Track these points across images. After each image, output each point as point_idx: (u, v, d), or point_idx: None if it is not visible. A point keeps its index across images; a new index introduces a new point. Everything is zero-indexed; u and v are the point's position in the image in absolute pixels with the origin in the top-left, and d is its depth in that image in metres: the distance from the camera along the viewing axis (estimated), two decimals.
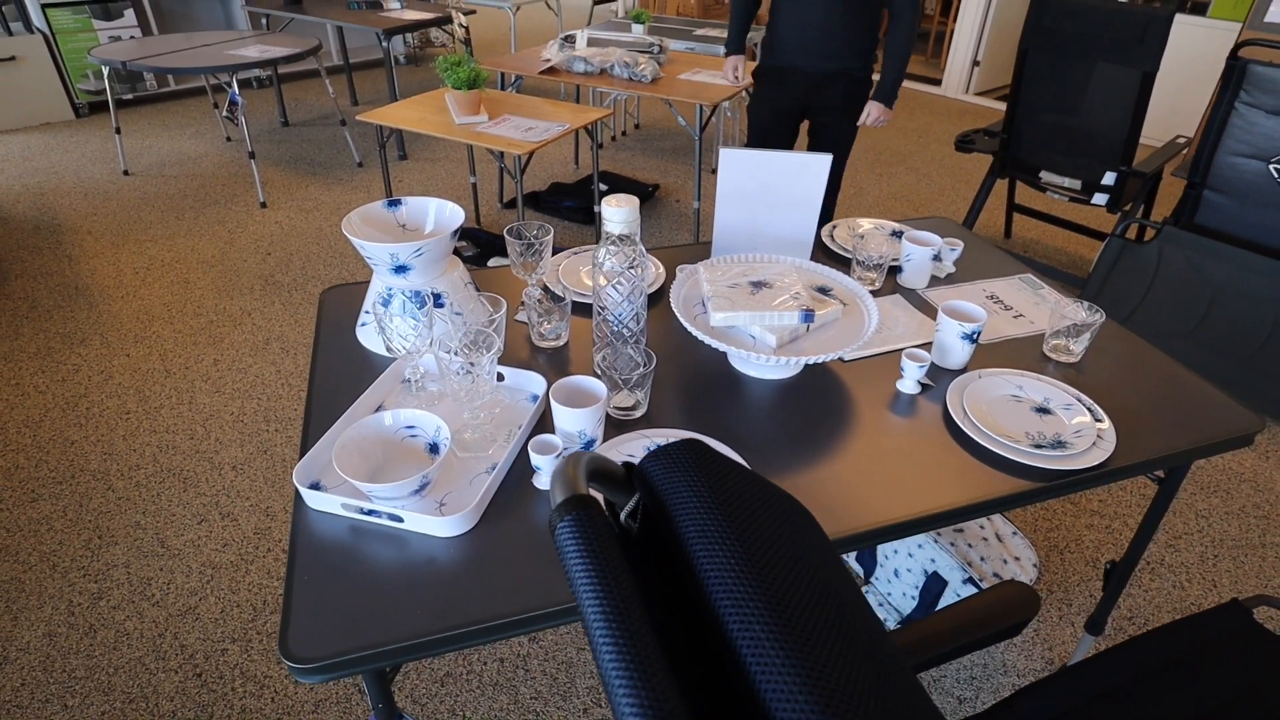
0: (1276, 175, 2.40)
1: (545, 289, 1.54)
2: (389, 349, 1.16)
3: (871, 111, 2.63)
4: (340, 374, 1.30)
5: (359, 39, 6.21)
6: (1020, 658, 1.77)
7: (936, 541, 1.72)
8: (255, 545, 2.01)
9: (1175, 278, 2.67)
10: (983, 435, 1.18)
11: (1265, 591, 1.94)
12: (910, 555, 1.77)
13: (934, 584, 1.71)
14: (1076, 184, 2.94)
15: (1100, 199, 2.90)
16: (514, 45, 5.63)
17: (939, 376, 1.34)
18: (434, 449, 1.07)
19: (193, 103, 5.51)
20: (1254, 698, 1.20)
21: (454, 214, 1.35)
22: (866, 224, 1.80)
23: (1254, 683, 1.22)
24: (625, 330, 1.24)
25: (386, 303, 1.28)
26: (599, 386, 1.10)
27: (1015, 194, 3.73)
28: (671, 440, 1.13)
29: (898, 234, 1.78)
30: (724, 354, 1.37)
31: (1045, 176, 3.03)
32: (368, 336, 1.38)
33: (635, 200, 1.14)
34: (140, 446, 2.34)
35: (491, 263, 3.37)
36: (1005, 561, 1.70)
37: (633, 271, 1.18)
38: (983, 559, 1.69)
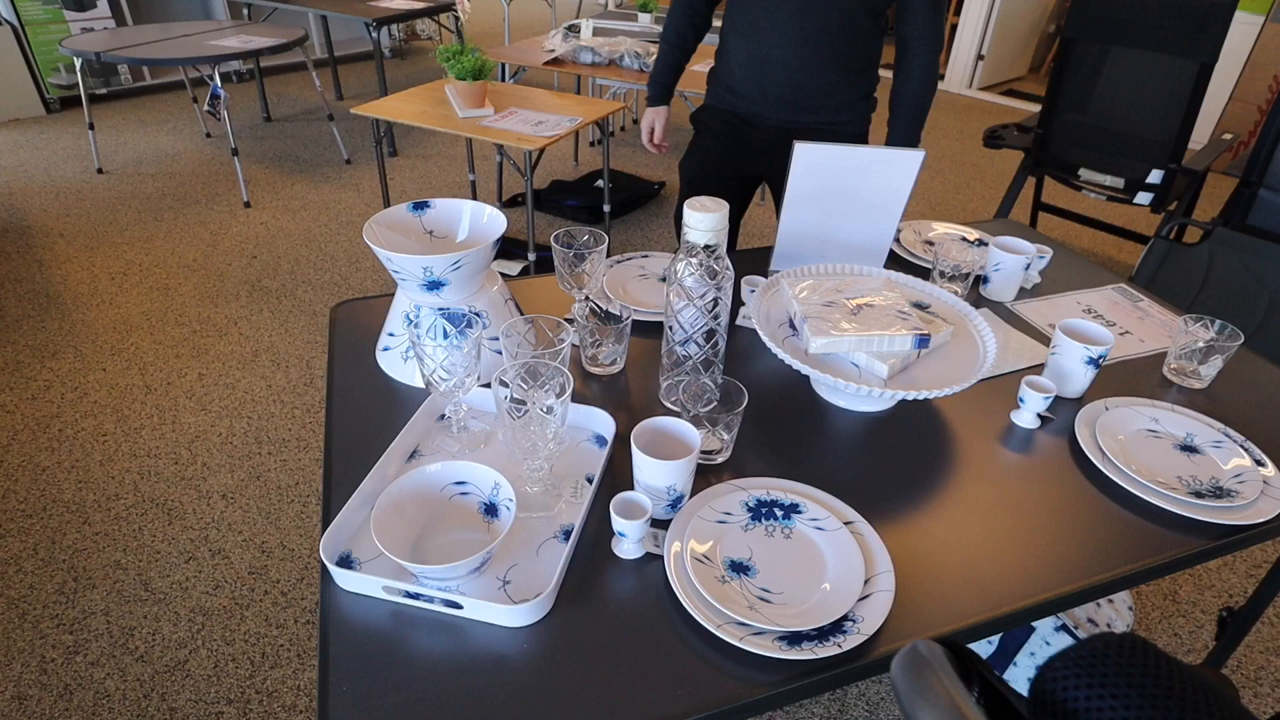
0: None
1: (593, 305, 1.35)
2: (428, 384, 0.96)
3: None
4: (362, 408, 1.10)
5: (343, 31, 5.97)
6: None
7: None
8: (250, 587, 1.80)
9: (1228, 281, 2.52)
10: (1131, 481, 1.00)
11: None
12: None
13: (1019, 630, 1.54)
14: (1119, 182, 2.78)
15: (1144, 198, 2.74)
16: (507, 37, 5.42)
17: (1056, 408, 1.16)
18: (491, 510, 0.87)
19: (170, 97, 5.25)
20: None
21: (493, 220, 1.16)
22: (939, 228, 1.62)
23: None
24: (706, 359, 1.05)
25: (417, 324, 1.08)
26: (689, 432, 0.90)
27: (1042, 192, 3.57)
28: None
29: (967, 240, 1.60)
30: (804, 379, 1.18)
31: (1085, 174, 2.87)
32: (391, 362, 1.18)
33: (724, 204, 0.95)
34: (119, 473, 2.12)
35: (504, 270, 3.16)
36: (1099, 605, 1.52)
37: (718, 290, 0.99)
38: None
